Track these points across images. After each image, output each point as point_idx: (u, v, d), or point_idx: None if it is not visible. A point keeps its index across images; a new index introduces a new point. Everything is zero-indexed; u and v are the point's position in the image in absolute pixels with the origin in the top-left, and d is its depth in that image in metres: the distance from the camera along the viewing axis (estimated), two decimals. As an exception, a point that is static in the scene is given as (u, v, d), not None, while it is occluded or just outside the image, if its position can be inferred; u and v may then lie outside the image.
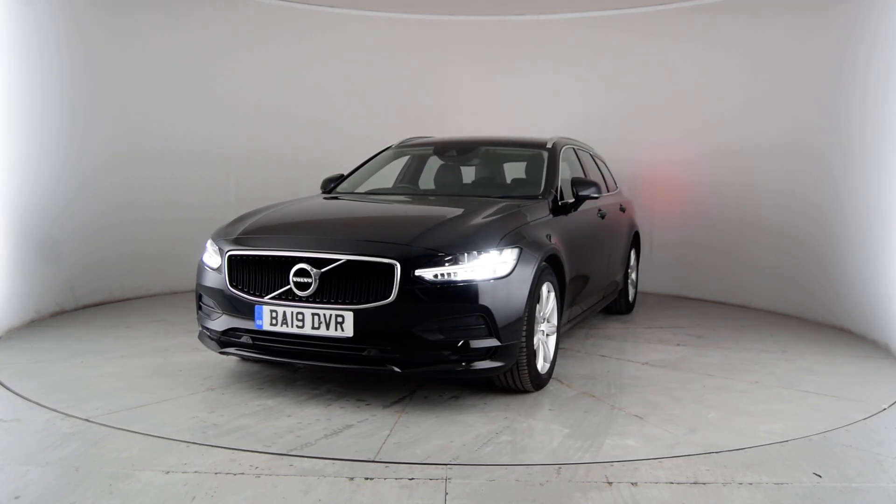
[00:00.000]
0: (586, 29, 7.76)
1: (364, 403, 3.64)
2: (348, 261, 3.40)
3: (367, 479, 2.74)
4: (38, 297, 5.59)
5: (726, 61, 7.02)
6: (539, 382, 3.87)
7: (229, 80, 7.30)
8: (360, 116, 7.83)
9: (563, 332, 4.39)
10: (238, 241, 3.73)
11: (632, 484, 2.74)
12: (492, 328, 3.42)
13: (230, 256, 3.67)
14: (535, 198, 4.41)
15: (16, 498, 2.52)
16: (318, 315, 3.40)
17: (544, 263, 3.80)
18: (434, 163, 5.49)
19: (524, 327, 3.58)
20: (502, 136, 5.65)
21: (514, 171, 5.30)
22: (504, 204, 4.17)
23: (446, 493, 2.63)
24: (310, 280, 3.42)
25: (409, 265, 3.35)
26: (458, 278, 3.39)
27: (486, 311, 3.41)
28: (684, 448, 3.11)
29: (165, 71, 6.86)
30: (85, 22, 6.16)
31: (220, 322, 3.70)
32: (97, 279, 6.24)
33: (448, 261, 3.41)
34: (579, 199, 4.57)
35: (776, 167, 6.58)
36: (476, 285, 3.41)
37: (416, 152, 5.49)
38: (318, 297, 3.43)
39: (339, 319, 3.37)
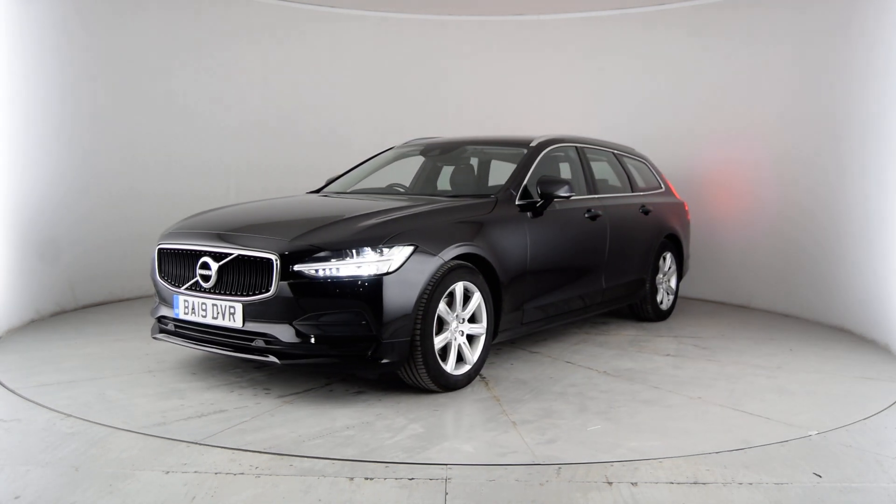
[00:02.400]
0: (585, 28, 7.77)
1: (264, 392, 3.81)
2: (238, 255, 3.60)
3: (367, 479, 2.74)
4: (38, 297, 5.59)
5: (722, 59, 7.03)
6: (447, 383, 3.80)
7: (230, 81, 7.31)
8: (360, 117, 7.83)
9: (521, 335, 4.43)
10: (169, 235, 4.04)
11: (632, 484, 2.74)
12: (371, 324, 3.47)
13: (159, 249, 4.01)
14: (486, 197, 4.40)
15: (16, 498, 2.52)
16: (216, 305, 3.64)
17: (455, 262, 3.78)
18: (428, 163, 5.52)
19: (418, 326, 3.58)
20: (491, 135, 5.61)
21: (504, 170, 5.27)
22: (441, 205, 4.16)
23: (446, 493, 2.63)
24: (211, 273, 3.65)
25: (289, 260, 3.48)
26: (337, 274, 3.46)
27: (365, 308, 3.47)
28: (513, 458, 2.98)
29: (166, 72, 6.86)
30: (86, 24, 6.17)
31: (157, 310, 4.06)
32: (97, 279, 6.24)
33: (327, 257, 3.48)
34: (547, 199, 4.51)
35: (776, 167, 6.58)
36: (355, 281, 3.46)
37: (412, 153, 5.52)
38: (218, 289, 3.65)
39: (231, 310, 3.58)
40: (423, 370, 3.66)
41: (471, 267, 3.89)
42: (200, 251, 3.73)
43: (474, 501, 2.58)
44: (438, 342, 3.72)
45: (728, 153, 7.02)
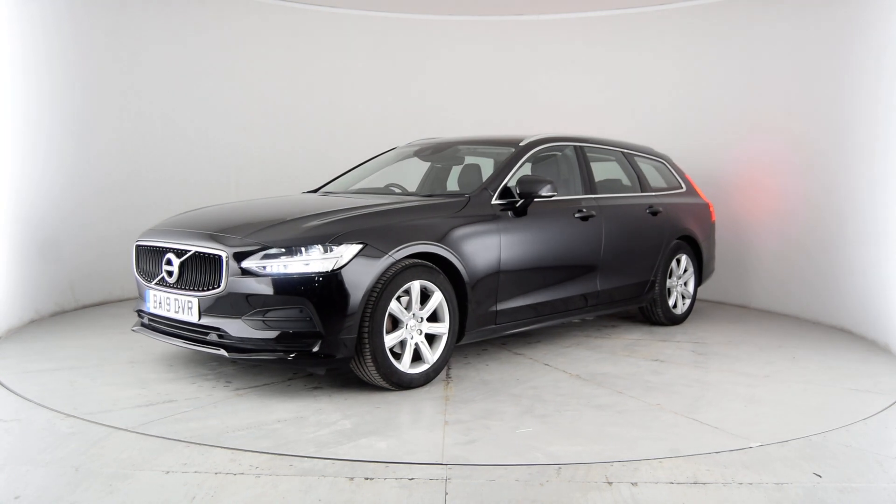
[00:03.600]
0: (586, 28, 7.77)
1: (224, 384, 3.94)
2: (195, 252, 3.74)
3: (367, 479, 2.74)
4: (38, 297, 5.59)
5: (720, 61, 7.03)
6: (400, 381, 3.81)
7: (230, 80, 7.31)
8: (360, 117, 7.83)
9: (495, 336, 4.43)
10: (145, 233, 4.22)
11: (632, 484, 2.74)
12: (315, 321, 3.53)
13: (136, 245, 4.18)
14: (460, 196, 4.41)
15: (16, 498, 2.52)
16: (178, 300, 3.80)
17: (410, 261, 3.80)
18: (436, 164, 5.51)
19: (366, 323, 3.62)
20: (483, 135, 5.59)
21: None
22: (405, 204, 4.20)
23: (446, 493, 2.63)
24: (173, 269, 3.82)
25: (238, 257, 3.59)
26: (283, 271, 3.56)
27: (309, 305, 3.53)
28: (417, 457, 2.96)
29: (166, 72, 6.86)
30: (85, 23, 6.17)
31: (137, 304, 4.25)
32: (97, 279, 6.24)
33: (275, 255, 3.57)
34: (527, 198, 4.48)
35: (775, 166, 6.58)
36: (300, 279, 3.54)
37: (409, 154, 5.53)
38: (179, 284, 3.80)
39: (189, 305, 3.74)
40: (373, 367, 3.70)
41: (430, 266, 3.90)
42: (166, 248, 3.91)
43: (474, 501, 2.57)
44: (391, 340, 3.76)
45: (729, 154, 7.00)
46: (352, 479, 2.73)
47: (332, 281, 3.55)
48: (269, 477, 2.73)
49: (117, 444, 3.02)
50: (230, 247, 3.63)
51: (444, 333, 4.01)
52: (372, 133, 7.61)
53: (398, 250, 3.76)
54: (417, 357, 3.94)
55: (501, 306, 4.37)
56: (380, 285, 3.67)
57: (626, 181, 5.75)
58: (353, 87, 7.85)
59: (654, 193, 5.82)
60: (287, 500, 2.54)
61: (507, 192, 4.51)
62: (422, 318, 3.92)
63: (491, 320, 4.33)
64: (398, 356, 3.83)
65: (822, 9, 6.09)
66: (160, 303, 3.91)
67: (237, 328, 3.59)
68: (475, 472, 2.83)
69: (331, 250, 3.59)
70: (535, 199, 4.51)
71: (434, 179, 5.42)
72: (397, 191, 5.07)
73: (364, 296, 3.62)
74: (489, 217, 4.34)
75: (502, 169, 4.65)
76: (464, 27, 7.98)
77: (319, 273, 3.55)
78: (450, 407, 3.65)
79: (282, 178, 7.32)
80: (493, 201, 4.43)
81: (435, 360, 3.98)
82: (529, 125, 7.05)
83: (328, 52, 7.77)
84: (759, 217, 6.81)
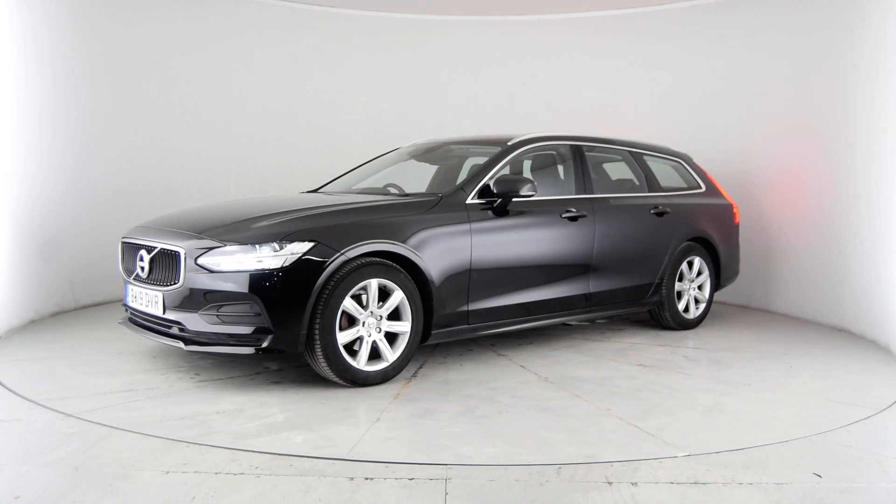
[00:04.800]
0: (586, 28, 7.77)
1: (190, 377, 4.07)
2: (160, 249, 3.94)
3: (367, 479, 2.74)
4: (38, 297, 5.60)
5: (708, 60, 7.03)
6: (354, 378, 3.85)
7: (230, 81, 7.31)
8: (361, 117, 7.82)
9: (468, 337, 4.41)
10: (129, 230, 4.38)
11: (632, 484, 2.74)
12: (265, 317, 3.64)
13: (121, 242, 4.33)
14: (433, 196, 4.42)
15: (16, 498, 2.52)
16: (146, 294, 3.98)
17: (367, 259, 3.85)
18: (444, 164, 5.50)
19: (317, 320, 3.70)
20: (475, 135, 5.54)
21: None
22: (369, 203, 4.25)
23: (446, 493, 2.63)
24: (144, 264, 4.02)
25: (193, 254, 3.75)
26: (235, 268, 3.68)
27: (259, 301, 3.64)
28: (327, 451, 2.99)
29: (166, 73, 6.87)
30: (85, 24, 6.17)
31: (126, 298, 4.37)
32: (97, 279, 6.24)
33: (227, 252, 3.71)
34: (504, 198, 4.45)
35: (774, 166, 6.57)
36: (250, 275, 3.66)
37: (406, 154, 5.54)
38: (149, 280, 4.00)
39: (156, 299, 3.91)
40: (325, 363, 3.77)
41: (389, 264, 3.94)
42: (140, 245, 4.09)
43: (474, 501, 2.58)
44: (346, 337, 3.81)
45: (729, 155, 6.96)
46: (352, 479, 2.74)
47: (281, 278, 3.65)
48: (269, 477, 2.73)
49: (117, 444, 3.02)
50: (188, 244, 3.80)
51: (406, 333, 4.03)
52: (372, 133, 7.60)
53: (351, 248, 3.81)
54: (379, 355, 3.98)
55: (473, 307, 4.35)
56: (332, 283, 3.73)
57: (633, 181, 5.63)
58: (353, 88, 7.84)
59: (662, 194, 5.66)
60: (287, 500, 2.54)
61: (488, 192, 4.48)
62: (381, 317, 3.95)
63: (462, 320, 4.33)
64: (357, 353, 3.88)
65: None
66: (136, 297, 4.09)
67: (194, 322, 3.75)
68: (475, 472, 2.83)
69: (281, 248, 3.69)
70: (515, 199, 4.49)
71: (442, 180, 5.40)
72: (394, 191, 5.07)
73: (314, 293, 3.69)
74: (461, 217, 4.32)
75: (483, 168, 4.64)
76: (464, 27, 7.98)
77: (269, 270, 3.65)
78: (394, 405, 3.66)
79: (282, 180, 7.31)
80: (469, 200, 4.42)
81: (394, 359, 4.00)
82: (534, 125, 7.04)
83: (328, 52, 7.76)
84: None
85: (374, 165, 5.57)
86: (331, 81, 7.79)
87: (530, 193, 4.44)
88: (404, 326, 4.02)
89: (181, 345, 3.80)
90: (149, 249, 4.00)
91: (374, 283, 3.88)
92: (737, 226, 6.18)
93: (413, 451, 3.02)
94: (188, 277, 3.75)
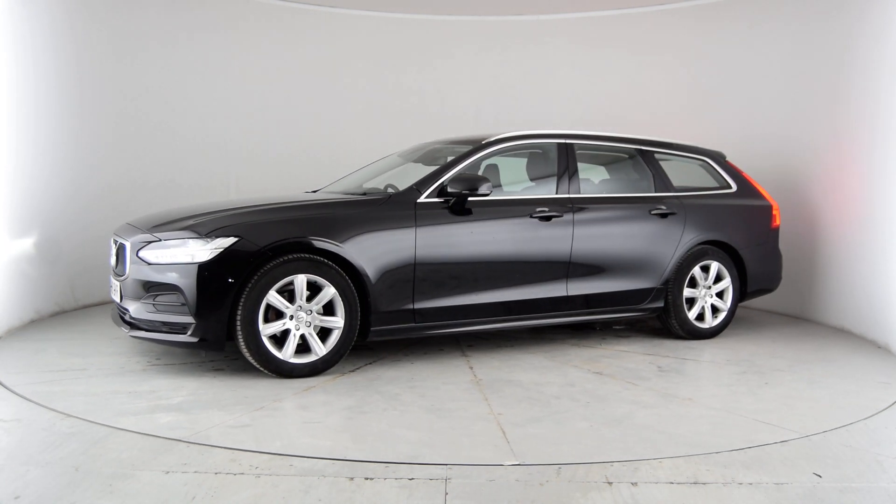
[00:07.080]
0: (586, 28, 7.77)
1: (147, 361, 4.41)
2: (120, 243, 4.26)
3: (367, 479, 2.74)
4: (38, 297, 5.60)
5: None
6: (279, 369, 4.01)
7: (229, 81, 7.30)
8: (361, 118, 7.81)
9: (416, 335, 4.41)
10: (118, 227, 4.60)
11: (632, 484, 2.74)
12: (189, 307, 3.88)
13: (112, 239, 4.52)
14: (382, 195, 4.60)
15: (16, 498, 2.52)
16: (115, 287, 4.31)
17: (293, 256, 3.99)
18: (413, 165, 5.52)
19: (238, 311, 3.89)
20: (458, 136, 5.51)
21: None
22: (310, 201, 4.45)
23: (446, 493, 2.63)
24: (114, 258, 4.38)
25: (136, 247, 4.07)
26: (166, 261, 3.96)
27: (183, 291, 3.89)
28: (203, 437, 3.10)
29: (165, 72, 6.86)
30: (84, 24, 6.17)
31: None
32: (97, 279, 6.23)
33: (162, 246, 4.00)
34: (459, 197, 4.44)
35: (774, 166, 6.57)
36: (176, 267, 3.93)
37: (396, 156, 5.58)
38: (115, 271, 4.36)
39: (116, 288, 4.27)
40: (248, 353, 3.96)
41: (318, 260, 4.05)
42: (115, 240, 4.42)
43: (474, 501, 2.58)
44: (270, 329, 3.97)
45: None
46: (352, 478, 2.74)
47: (205, 270, 3.87)
48: (269, 477, 2.73)
49: (117, 444, 3.02)
50: (133, 238, 4.12)
51: (337, 328, 4.12)
52: (373, 133, 7.61)
53: (272, 244, 3.96)
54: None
55: (420, 305, 4.35)
56: (255, 276, 3.91)
57: (636, 180, 5.40)
58: (353, 88, 7.84)
59: (671, 194, 5.31)
60: (287, 500, 2.54)
61: (445, 191, 4.47)
62: (310, 311, 4.06)
63: (407, 319, 4.33)
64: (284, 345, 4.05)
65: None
66: (112, 288, 4.42)
67: (136, 309, 4.05)
68: (475, 471, 2.83)
69: (207, 242, 3.91)
70: (472, 199, 4.47)
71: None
72: (391, 191, 5.09)
73: (236, 286, 3.88)
74: (406, 215, 4.33)
75: (443, 168, 4.63)
76: (464, 27, 7.97)
77: (194, 262, 3.89)
78: (298, 397, 3.74)
79: (282, 180, 7.30)
80: (423, 199, 4.42)
81: (324, 353, 4.10)
82: (535, 124, 7.03)
83: (328, 52, 7.76)
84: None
85: (378, 166, 5.56)
86: (331, 80, 7.78)
87: (486, 192, 4.43)
88: (337, 322, 4.11)
89: (125, 329, 4.11)
90: (115, 243, 4.38)
91: (300, 278, 4.01)
92: (775, 229, 5.72)
93: (248, 439, 3.10)
94: (132, 269, 4.08)
